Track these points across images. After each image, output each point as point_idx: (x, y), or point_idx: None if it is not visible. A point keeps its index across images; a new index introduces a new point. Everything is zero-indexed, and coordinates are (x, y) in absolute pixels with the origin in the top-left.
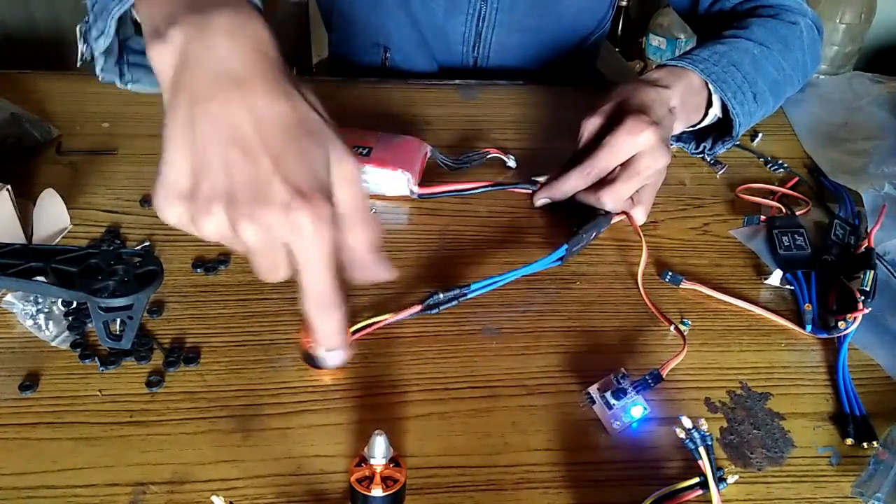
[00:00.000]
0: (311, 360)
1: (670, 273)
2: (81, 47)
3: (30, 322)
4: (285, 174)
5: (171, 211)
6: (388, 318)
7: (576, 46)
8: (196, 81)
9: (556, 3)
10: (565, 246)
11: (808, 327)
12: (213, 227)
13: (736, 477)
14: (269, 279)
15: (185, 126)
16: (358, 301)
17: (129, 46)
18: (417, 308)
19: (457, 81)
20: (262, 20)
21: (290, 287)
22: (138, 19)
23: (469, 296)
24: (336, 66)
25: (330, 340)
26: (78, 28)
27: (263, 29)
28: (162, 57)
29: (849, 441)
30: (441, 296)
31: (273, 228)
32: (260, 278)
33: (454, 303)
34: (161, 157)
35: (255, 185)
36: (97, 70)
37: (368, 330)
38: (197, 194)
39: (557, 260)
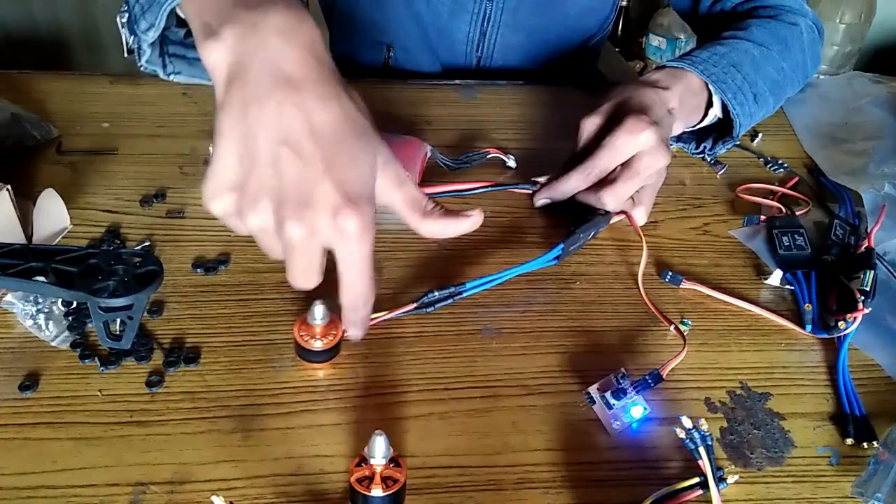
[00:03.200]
0: (305, 354)
1: (670, 273)
2: (127, 38)
3: (30, 322)
4: (335, 177)
5: (218, 202)
6: (384, 315)
7: (579, 47)
8: (249, 81)
9: (560, 4)
10: (561, 245)
11: (808, 327)
12: (258, 222)
13: (736, 477)
14: (302, 284)
15: (238, 122)
16: None
17: (168, 37)
18: (412, 306)
19: (457, 81)
20: (312, 20)
21: (291, 287)
22: (182, 14)
23: (464, 294)
24: (337, 66)
25: (355, 329)
26: (118, 19)
27: (314, 29)
28: (216, 55)
29: (849, 441)
30: (436, 294)
31: (318, 231)
32: (292, 283)
33: (449, 301)
34: (213, 151)
35: (305, 185)
36: (142, 61)
37: (361, 331)
38: (245, 188)
39: (553, 259)
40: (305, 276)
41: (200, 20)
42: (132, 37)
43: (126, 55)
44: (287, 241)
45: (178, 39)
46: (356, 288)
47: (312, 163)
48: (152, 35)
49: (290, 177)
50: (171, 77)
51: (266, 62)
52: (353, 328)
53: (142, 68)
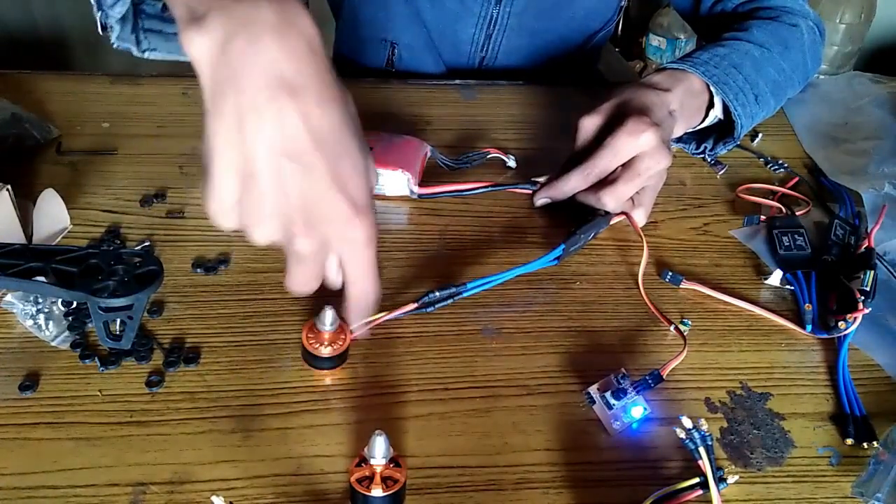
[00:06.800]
0: (312, 360)
1: (670, 273)
2: (97, 15)
3: (30, 322)
4: (340, 188)
5: (226, 220)
6: (384, 315)
7: (581, 48)
8: (245, 87)
9: (566, 6)
10: (562, 246)
11: (808, 327)
12: (266, 237)
13: (736, 477)
14: (302, 291)
15: (234, 134)
16: None
17: (144, 10)
18: (413, 306)
19: (457, 81)
20: (308, 13)
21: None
22: None
23: (465, 294)
24: (339, 66)
25: (360, 330)
26: None
27: (312, 25)
28: (201, 47)
29: (849, 441)
30: (437, 294)
31: (328, 242)
32: (292, 289)
33: (449, 301)
34: (210, 163)
35: (311, 199)
36: (113, 38)
37: (365, 328)
38: (249, 206)
39: (554, 260)
40: (308, 284)
41: (184, 4)
42: (100, 12)
43: (101, 32)
44: (296, 255)
45: (156, 13)
46: (364, 290)
47: (317, 174)
48: (119, 10)
49: (295, 191)
50: (147, 55)
51: (261, 65)
52: (358, 319)
53: (114, 46)
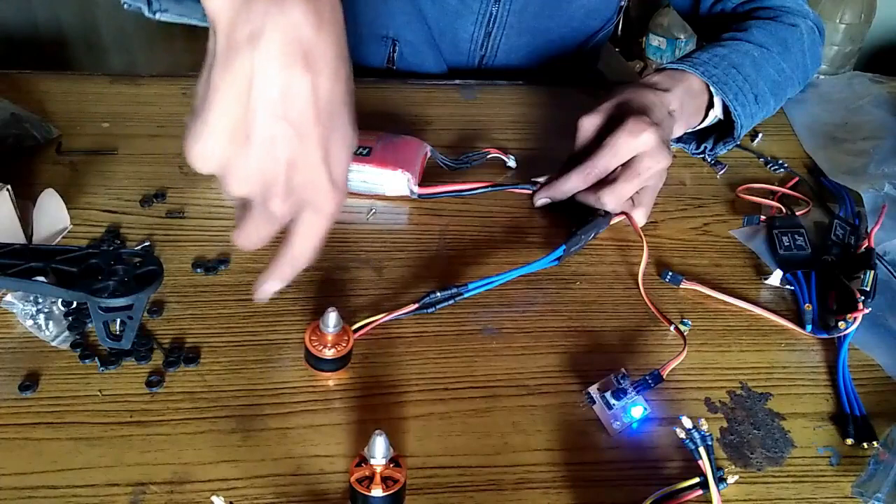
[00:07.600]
0: (315, 362)
1: (670, 273)
2: None
3: (30, 322)
4: (328, 163)
5: (205, 164)
6: (385, 316)
7: (581, 47)
8: (262, 46)
9: (566, 5)
10: (563, 246)
11: (808, 327)
12: (242, 191)
13: (736, 477)
14: (250, 246)
15: (240, 88)
16: (357, 301)
17: None
18: (414, 307)
19: (457, 81)
20: None
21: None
22: None
23: (466, 295)
24: None
25: (275, 284)
26: None
27: None
28: (221, 1)
29: (849, 441)
30: (438, 294)
31: (301, 210)
32: (240, 242)
33: (450, 302)
34: (203, 104)
35: (299, 167)
36: None
37: (366, 329)
38: (236, 160)
39: (555, 260)
40: (259, 241)
41: None
42: None
43: None
44: (265, 214)
45: None
46: (302, 255)
47: (310, 145)
48: None
49: (285, 156)
50: (157, 15)
51: (284, 29)
52: (275, 283)
53: (124, 6)
